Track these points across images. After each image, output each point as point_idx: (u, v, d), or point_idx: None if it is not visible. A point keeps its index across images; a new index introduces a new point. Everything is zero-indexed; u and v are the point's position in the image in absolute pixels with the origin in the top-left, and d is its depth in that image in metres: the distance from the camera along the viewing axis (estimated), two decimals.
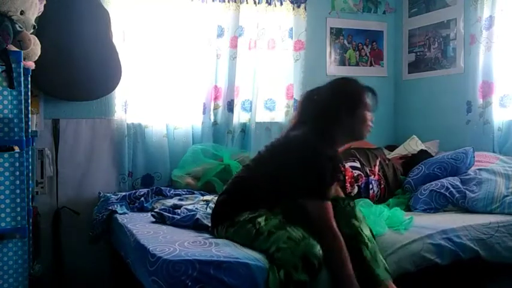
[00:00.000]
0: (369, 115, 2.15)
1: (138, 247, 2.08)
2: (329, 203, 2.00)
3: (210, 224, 2.28)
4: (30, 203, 2.32)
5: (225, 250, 1.93)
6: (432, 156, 3.17)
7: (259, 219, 1.99)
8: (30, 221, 2.29)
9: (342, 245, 1.94)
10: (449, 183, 2.77)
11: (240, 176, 2.22)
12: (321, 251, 1.87)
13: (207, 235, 2.17)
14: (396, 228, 2.29)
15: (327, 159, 2.02)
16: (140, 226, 2.35)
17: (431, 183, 2.82)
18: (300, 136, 2.07)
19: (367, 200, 2.63)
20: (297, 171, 2.00)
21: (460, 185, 2.77)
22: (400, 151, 3.45)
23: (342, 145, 2.26)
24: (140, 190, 2.97)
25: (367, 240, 2.03)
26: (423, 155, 3.19)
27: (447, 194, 2.72)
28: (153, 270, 1.84)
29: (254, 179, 2.13)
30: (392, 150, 3.55)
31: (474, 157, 2.93)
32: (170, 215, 2.45)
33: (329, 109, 2.10)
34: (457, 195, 2.71)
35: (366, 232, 2.07)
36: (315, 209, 1.98)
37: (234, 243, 2.02)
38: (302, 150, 2.01)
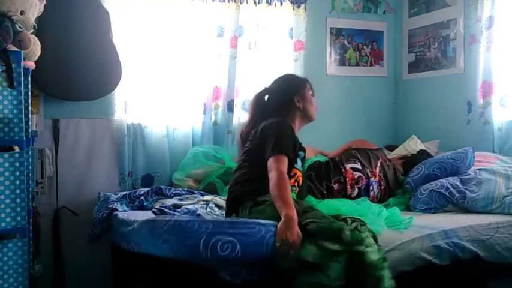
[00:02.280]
0: (313, 98, 2.52)
1: (144, 224, 2.08)
2: (285, 157, 2.17)
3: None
4: (30, 203, 2.32)
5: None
6: (432, 156, 3.17)
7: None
8: (30, 221, 2.28)
9: (287, 184, 2.08)
10: (449, 183, 2.77)
11: (244, 164, 2.32)
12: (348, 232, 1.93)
13: None
14: (396, 227, 2.29)
15: (289, 126, 2.32)
16: (141, 218, 2.35)
17: (431, 183, 2.82)
18: (273, 122, 2.31)
19: (366, 200, 2.64)
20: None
21: (460, 185, 2.76)
22: (399, 151, 3.45)
23: (300, 128, 2.50)
24: (140, 190, 2.97)
25: None
26: (423, 155, 3.19)
27: (447, 193, 2.71)
28: (163, 231, 1.84)
29: (259, 164, 2.23)
30: (392, 150, 3.55)
31: (474, 157, 2.93)
32: (171, 211, 2.46)
33: (284, 99, 2.46)
34: (457, 195, 2.71)
35: (374, 258, 1.93)
36: (270, 162, 2.16)
37: None
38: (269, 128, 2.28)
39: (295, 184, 2.35)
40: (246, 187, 2.24)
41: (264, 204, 2.11)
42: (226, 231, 1.82)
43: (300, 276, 1.84)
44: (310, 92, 2.51)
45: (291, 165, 2.26)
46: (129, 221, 2.33)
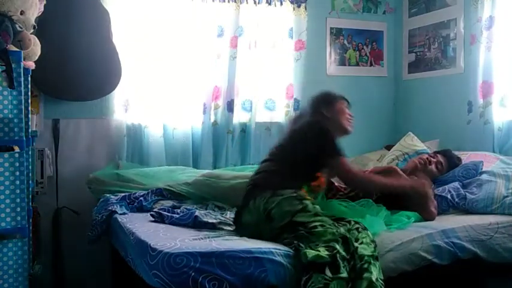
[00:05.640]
0: (346, 108, 2.55)
1: (138, 243, 2.07)
2: (345, 158, 2.37)
3: (212, 221, 2.31)
4: (30, 203, 2.32)
5: (225, 244, 1.96)
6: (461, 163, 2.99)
7: (306, 201, 2.15)
8: (30, 221, 2.29)
9: (372, 177, 2.51)
10: (450, 187, 2.76)
11: (273, 157, 2.42)
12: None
13: (207, 232, 2.18)
14: (395, 227, 2.29)
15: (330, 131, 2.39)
16: (139, 225, 2.35)
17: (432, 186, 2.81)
18: (308, 121, 2.44)
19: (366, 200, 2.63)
20: (314, 145, 2.32)
21: (461, 188, 2.76)
22: (396, 148, 3.44)
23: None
24: (140, 190, 2.96)
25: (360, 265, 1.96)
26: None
27: (448, 197, 2.70)
28: (154, 263, 1.84)
29: (288, 160, 2.34)
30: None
31: (482, 168, 2.89)
32: (169, 214, 2.45)
33: (315, 112, 2.49)
34: (458, 197, 2.70)
35: (364, 252, 1.99)
36: (336, 165, 2.37)
37: (234, 237, 2.06)
38: (312, 130, 2.38)
39: (319, 188, 2.38)
40: (270, 177, 2.29)
41: (281, 197, 2.14)
42: (213, 270, 1.82)
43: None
44: (343, 105, 2.56)
45: (318, 169, 2.35)
46: (127, 230, 2.32)
